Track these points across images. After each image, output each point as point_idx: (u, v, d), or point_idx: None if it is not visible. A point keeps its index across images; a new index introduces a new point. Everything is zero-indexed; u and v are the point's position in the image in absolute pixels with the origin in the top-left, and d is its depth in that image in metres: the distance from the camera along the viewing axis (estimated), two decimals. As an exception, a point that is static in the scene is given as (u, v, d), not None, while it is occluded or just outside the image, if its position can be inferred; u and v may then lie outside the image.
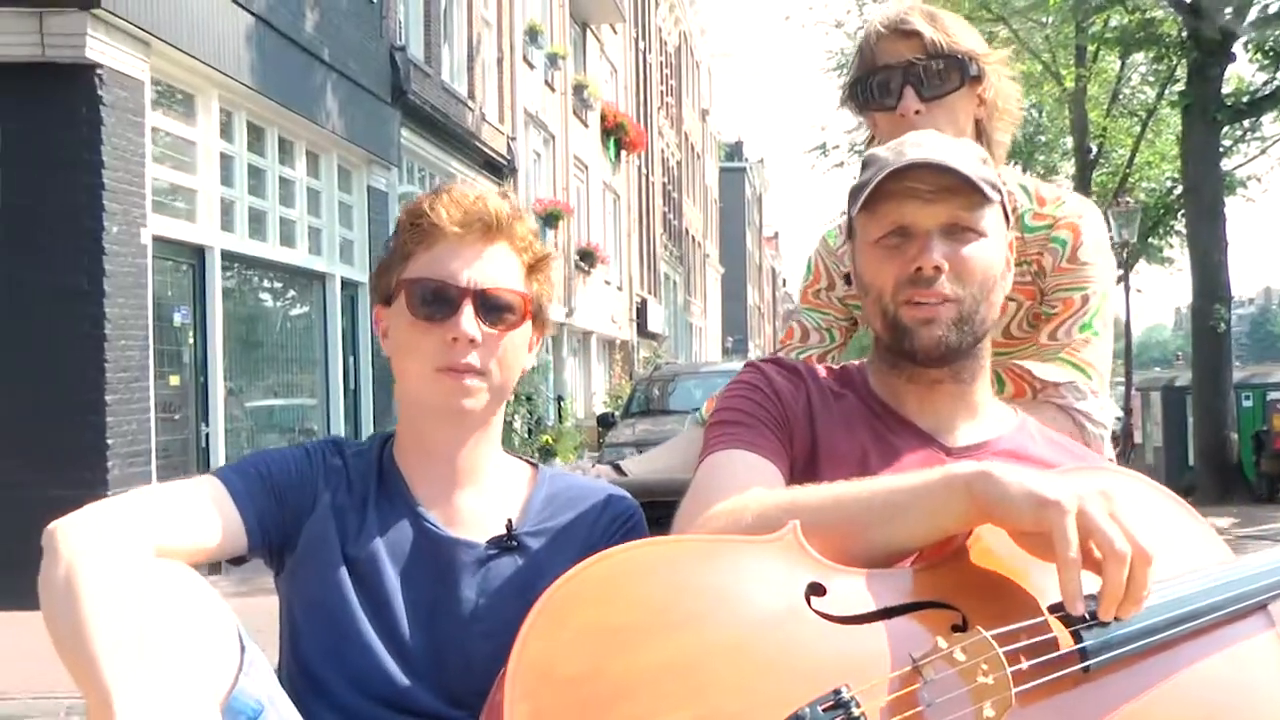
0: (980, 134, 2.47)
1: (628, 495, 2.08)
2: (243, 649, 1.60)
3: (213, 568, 1.93)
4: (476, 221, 1.92)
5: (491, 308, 1.92)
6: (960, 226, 1.81)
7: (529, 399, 21.03)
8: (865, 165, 1.91)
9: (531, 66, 26.55)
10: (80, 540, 1.59)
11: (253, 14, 12.71)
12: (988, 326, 1.87)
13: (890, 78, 2.42)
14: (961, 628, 1.47)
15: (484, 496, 1.99)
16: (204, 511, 1.81)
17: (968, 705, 1.39)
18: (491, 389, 1.94)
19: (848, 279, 2.74)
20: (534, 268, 1.99)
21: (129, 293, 10.50)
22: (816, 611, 1.43)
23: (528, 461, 2.11)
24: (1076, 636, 1.48)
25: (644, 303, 40.33)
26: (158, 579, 1.58)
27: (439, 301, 1.90)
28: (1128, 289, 26.03)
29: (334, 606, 1.89)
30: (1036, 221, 2.50)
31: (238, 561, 1.91)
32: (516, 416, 20.08)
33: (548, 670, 1.33)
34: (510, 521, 1.96)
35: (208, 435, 12.28)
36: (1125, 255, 25.64)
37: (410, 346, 1.92)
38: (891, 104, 2.42)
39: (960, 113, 2.43)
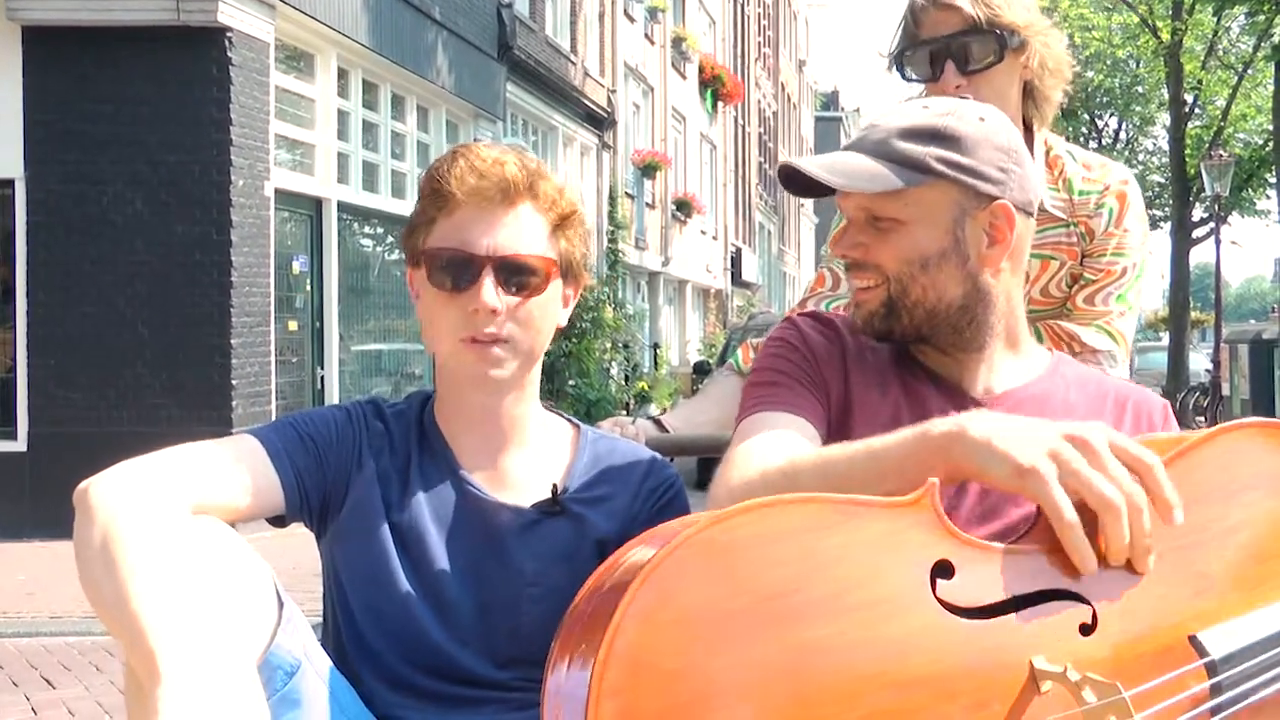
0: (1030, 94, 2.49)
1: (669, 463, 2.05)
2: (280, 604, 1.58)
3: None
4: (493, 186, 1.84)
5: (513, 274, 1.86)
6: (874, 216, 1.79)
7: (625, 346, 21.32)
8: None
9: (632, 20, 26.80)
10: (114, 498, 1.53)
11: (369, -25, 13.22)
12: (929, 306, 1.80)
13: (931, 52, 2.42)
14: (1090, 627, 1.41)
15: (528, 458, 1.95)
16: (239, 469, 1.74)
17: None
18: (519, 355, 1.89)
19: None
20: (560, 225, 1.92)
21: (253, 242, 11.13)
22: (940, 600, 1.34)
23: (569, 420, 2.06)
24: (1215, 690, 1.46)
25: (739, 252, 40.39)
26: (194, 534, 1.55)
27: (459, 271, 1.84)
28: (1218, 242, 25.81)
29: (379, 572, 1.85)
30: (1087, 185, 2.52)
31: (278, 522, 1.85)
32: (614, 364, 20.45)
33: (642, 662, 1.19)
34: (556, 486, 1.92)
35: (322, 378, 12.93)
36: (1217, 208, 25.49)
37: (435, 316, 1.88)
38: (933, 78, 2.41)
39: (1003, 84, 2.43)
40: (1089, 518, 1.41)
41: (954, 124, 1.78)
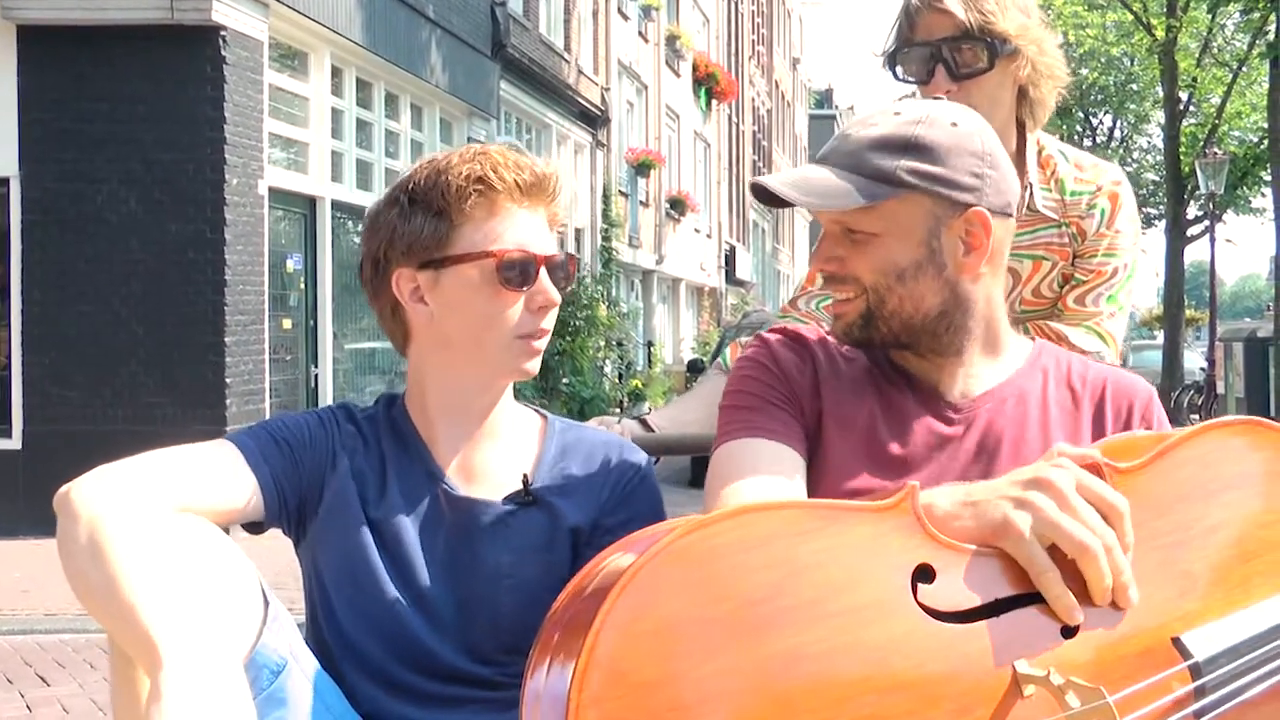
0: (1024, 97, 2.48)
1: (638, 449, 2.06)
2: (266, 603, 1.58)
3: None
4: (535, 187, 1.89)
5: (555, 272, 1.92)
6: (848, 229, 1.79)
7: (619, 344, 21.29)
8: None
9: (626, 18, 26.81)
10: (98, 497, 1.54)
11: (362, -27, 13.21)
12: (905, 316, 1.80)
13: (923, 55, 2.42)
14: (1073, 630, 1.40)
15: (500, 450, 1.97)
16: (218, 474, 1.74)
17: None
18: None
19: None
20: (552, 222, 1.98)
21: (247, 241, 11.13)
22: (921, 605, 1.33)
23: (537, 411, 2.08)
24: (1200, 693, 1.45)
25: (733, 250, 40.38)
26: (180, 531, 1.55)
27: (524, 271, 1.87)
28: (1213, 240, 25.89)
29: (359, 570, 1.86)
30: (1079, 185, 2.52)
31: (254, 529, 1.85)
32: (607, 362, 20.44)
33: (622, 671, 1.17)
34: (526, 476, 1.94)
35: (316, 376, 12.91)
36: (1212, 207, 25.53)
37: (491, 314, 1.88)
38: (924, 80, 2.42)
39: (994, 88, 2.42)
40: (1067, 568, 1.41)
41: (925, 133, 1.76)
